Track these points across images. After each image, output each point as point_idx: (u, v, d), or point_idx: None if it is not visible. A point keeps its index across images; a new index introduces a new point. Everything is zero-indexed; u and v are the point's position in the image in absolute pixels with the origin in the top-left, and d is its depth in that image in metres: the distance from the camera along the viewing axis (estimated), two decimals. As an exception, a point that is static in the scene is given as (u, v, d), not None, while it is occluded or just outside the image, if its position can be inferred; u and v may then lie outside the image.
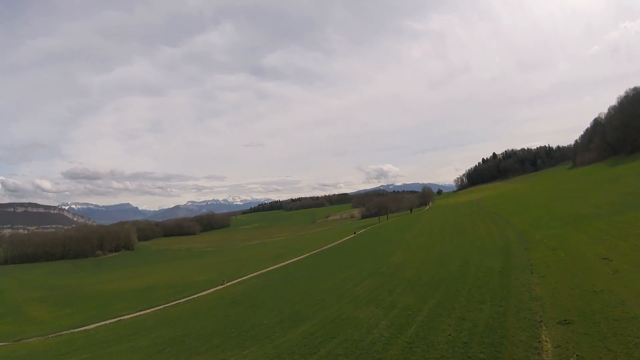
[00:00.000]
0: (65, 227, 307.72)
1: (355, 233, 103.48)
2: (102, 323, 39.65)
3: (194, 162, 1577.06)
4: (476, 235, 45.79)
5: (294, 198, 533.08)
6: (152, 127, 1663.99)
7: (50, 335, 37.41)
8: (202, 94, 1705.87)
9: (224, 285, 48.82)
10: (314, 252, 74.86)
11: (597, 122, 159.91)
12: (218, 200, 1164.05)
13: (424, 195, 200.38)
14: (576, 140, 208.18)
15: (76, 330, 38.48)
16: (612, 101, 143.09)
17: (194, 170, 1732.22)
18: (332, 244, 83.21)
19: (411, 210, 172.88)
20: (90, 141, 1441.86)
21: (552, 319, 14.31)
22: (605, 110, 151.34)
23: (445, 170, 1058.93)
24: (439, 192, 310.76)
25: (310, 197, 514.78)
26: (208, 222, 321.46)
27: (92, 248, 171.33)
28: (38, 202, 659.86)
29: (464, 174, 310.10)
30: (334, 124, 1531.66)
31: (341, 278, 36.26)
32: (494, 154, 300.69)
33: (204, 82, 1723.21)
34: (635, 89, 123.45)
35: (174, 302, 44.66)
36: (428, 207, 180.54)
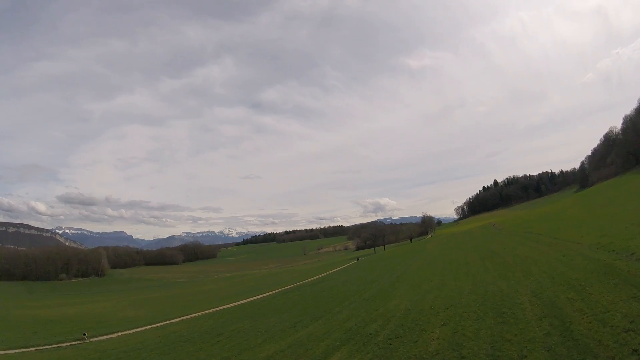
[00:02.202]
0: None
1: (358, 259, 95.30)
2: None
3: (191, 192, 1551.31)
4: (526, 260, 28.58)
5: (288, 230, 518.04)
6: (150, 156, 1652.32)
7: None
8: (201, 126, 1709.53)
9: (83, 342, 31.00)
10: (287, 287, 56.76)
11: (608, 138, 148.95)
12: (214, 232, 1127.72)
13: (424, 224, 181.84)
14: (582, 162, 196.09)
15: None
16: (605, 129, 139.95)
17: (190, 201, 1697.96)
18: (314, 278, 65.08)
19: (411, 240, 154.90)
20: (87, 167, 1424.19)
21: None
22: (618, 125, 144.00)
23: (443, 203, 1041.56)
24: (439, 223, 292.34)
25: (305, 230, 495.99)
26: (193, 252, 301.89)
27: (55, 270, 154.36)
28: (31, 224, 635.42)
29: (464, 203, 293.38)
30: (330, 158, 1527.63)
31: (292, 341, 18.65)
32: (495, 181, 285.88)
33: (203, 114, 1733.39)
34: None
35: (56, 345, 30.72)
36: (429, 236, 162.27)
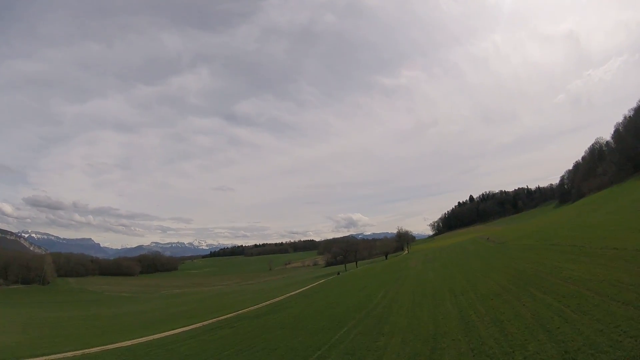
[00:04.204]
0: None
1: (339, 274, 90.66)
2: None
3: (161, 202, 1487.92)
4: (624, 289, 14.57)
5: (258, 244, 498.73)
6: (121, 163, 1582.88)
7: None
8: (174, 135, 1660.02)
9: None
10: (225, 316, 41.12)
11: (593, 150, 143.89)
12: (183, 243, 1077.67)
13: (400, 239, 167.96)
14: (562, 177, 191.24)
15: None
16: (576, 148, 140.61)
17: (160, 211, 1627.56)
18: (266, 303, 49.44)
19: (386, 256, 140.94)
20: (57, 170, 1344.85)
21: None
22: (607, 135, 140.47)
23: (415, 220, 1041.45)
24: (412, 239, 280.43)
25: (274, 244, 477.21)
26: (152, 264, 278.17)
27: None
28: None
29: (440, 218, 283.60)
30: (304, 173, 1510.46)
31: None
32: (471, 196, 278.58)
33: (176, 123, 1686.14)
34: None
35: None
36: (406, 252, 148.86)
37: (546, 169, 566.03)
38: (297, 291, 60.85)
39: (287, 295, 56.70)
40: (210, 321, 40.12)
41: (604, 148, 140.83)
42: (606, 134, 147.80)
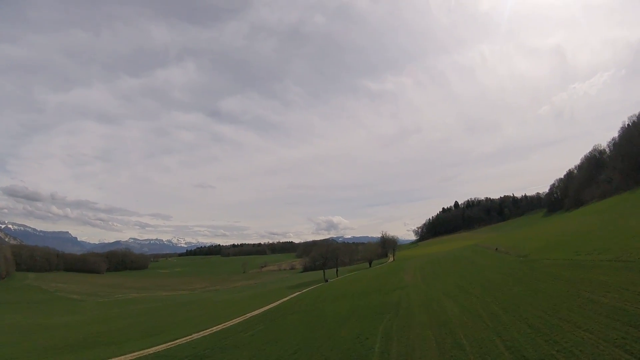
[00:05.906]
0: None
1: (327, 281, 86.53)
2: None
3: (140, 197, 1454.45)
4: None
5: (236, 244, 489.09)
6: (101, 155, 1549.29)
7: None
8: (157, 129, 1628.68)
9: None
10: (149, 350, 28.61)
11: (590, 158, 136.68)
12: (162, 240, 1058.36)
13: (384, 245, 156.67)
14: (552, 186, 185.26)
15: None
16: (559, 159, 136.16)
17: (139, 206, 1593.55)
18: (217, 327, 37.05)
19: (370, 264, 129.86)
20: (36, 160, 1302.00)
21: None
22: (604, 142, 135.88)
23: (395, 224, 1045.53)
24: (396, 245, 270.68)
25: (252, 244, 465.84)
26: (121, 261, 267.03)
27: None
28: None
29: (423, 224, 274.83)
30: (286, 173, 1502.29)
31: None
32: (456, 202, 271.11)
33: (160, 117, 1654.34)
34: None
35: None
36: (391, 259, 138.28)
37: (528, 179, 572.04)
38: (263, 309, 48.56)
39: (249, 315, 44.38)
40: (125, 358, 27.77)
41: (598, 156, 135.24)
42: (590, 145, 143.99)
